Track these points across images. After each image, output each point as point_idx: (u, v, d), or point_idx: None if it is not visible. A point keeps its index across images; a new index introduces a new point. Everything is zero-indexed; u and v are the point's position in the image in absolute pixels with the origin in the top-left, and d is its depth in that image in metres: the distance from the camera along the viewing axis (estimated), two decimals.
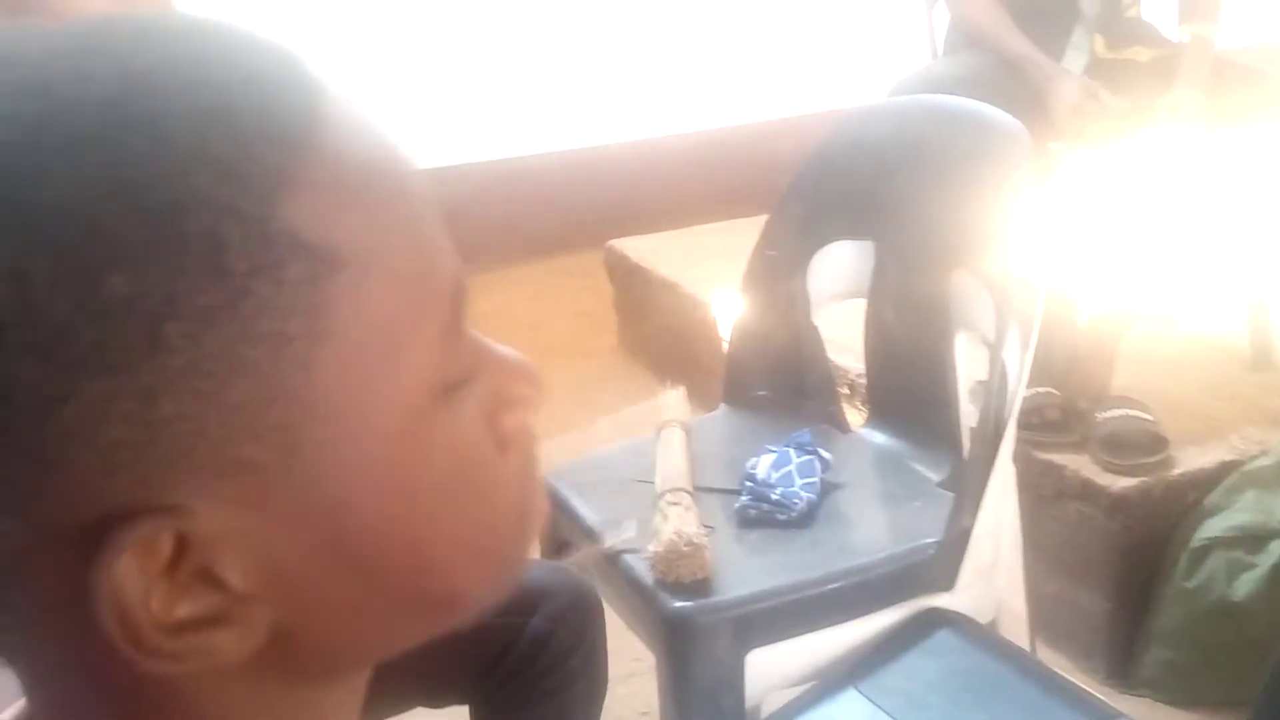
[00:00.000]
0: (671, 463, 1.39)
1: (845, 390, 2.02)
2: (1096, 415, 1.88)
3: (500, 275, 3.25)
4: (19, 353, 0.31)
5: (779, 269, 1.60)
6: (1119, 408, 1.88)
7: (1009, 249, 1.34)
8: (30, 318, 0.31)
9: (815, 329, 1.60)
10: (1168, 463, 1.80)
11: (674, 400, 1.55)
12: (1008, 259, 1.34)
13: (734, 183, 3.43)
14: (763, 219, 3.01)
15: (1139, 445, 1.82)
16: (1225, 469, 1.78)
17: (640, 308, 2.75)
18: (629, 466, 1.45)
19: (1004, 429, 1.30)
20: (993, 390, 1.30)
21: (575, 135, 3.39)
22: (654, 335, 2.66)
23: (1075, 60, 2.09)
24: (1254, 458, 1.78)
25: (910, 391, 1.50)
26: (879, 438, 1.52)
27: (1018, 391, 1.31)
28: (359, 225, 0.35)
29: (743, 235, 2.88)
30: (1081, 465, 1.83)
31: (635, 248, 2.82)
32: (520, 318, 3.10)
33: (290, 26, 3.04)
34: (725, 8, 3.48)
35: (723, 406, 1.60)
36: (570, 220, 3.31)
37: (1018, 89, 1.98)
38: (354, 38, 3.07)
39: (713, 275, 2.58)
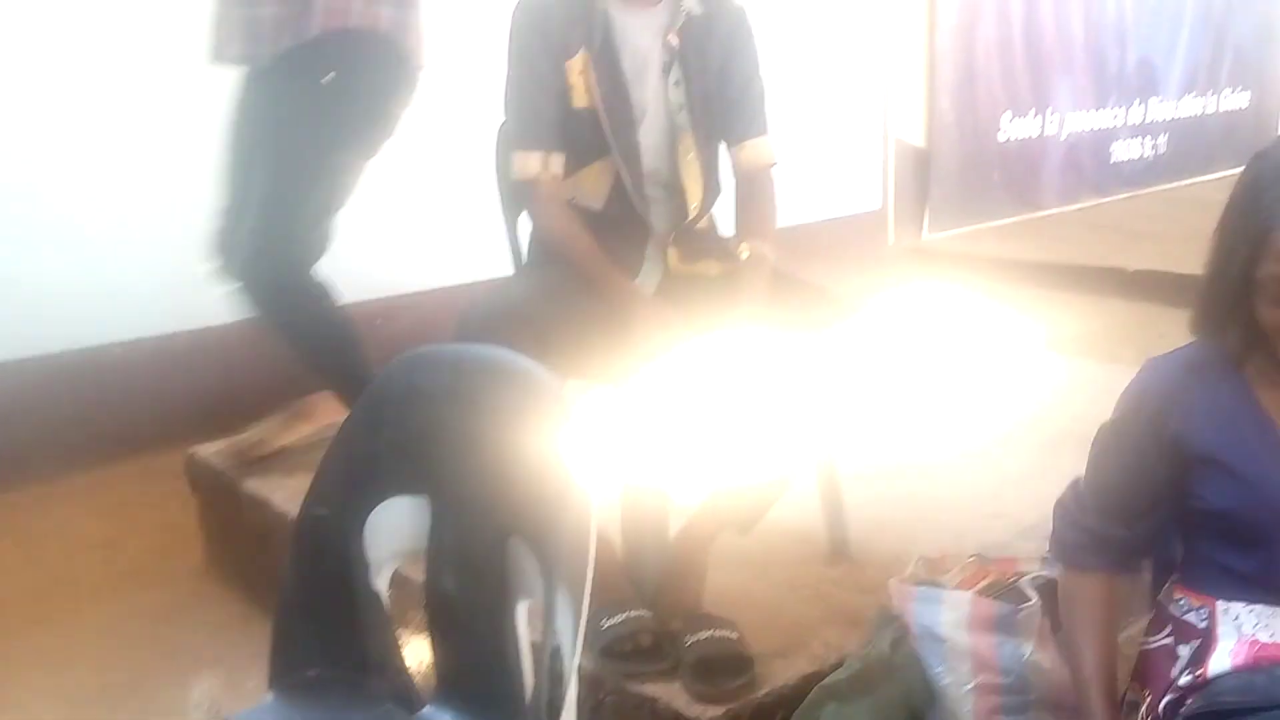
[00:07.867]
0: None
1: None
2: (685, 639, 1.85)
3: (67, 485, 2.89)
4: None
5: (330, 529, 1.46)
6: (706, 629, 1.87)
7: (555, 514, 1.28)
8: None
9: (376, 595, 1.46)
10: (754, 683, 1.80)
11: (207, 692, 1.35)
12: (554, 524, 1.28)
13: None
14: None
15: (726, 668, 1.80)
16: (808, 682, 1.79)
17: (228, 526, 2.50)
18: None
19: (560, 710, 1.22)
20: (542, 669, 1.22)
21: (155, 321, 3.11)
22: (246, 558, 2.42)
23: (651, 274, 2.13)
24: (833, 666, 1.81)
25: (474, 665, 1.39)
26: (446, 716, 1.40)
27: (572, 667, 1.24)
28: None
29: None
30: (673, 695, 1.79)
31: (220, 454, 2.58)
32: (92, 536, 2.76)
33: None
34: None
35: (270, 696, 1.42)
36: (153, 417, 3.01)
37: (598, 305, 1.97)
38: None
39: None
